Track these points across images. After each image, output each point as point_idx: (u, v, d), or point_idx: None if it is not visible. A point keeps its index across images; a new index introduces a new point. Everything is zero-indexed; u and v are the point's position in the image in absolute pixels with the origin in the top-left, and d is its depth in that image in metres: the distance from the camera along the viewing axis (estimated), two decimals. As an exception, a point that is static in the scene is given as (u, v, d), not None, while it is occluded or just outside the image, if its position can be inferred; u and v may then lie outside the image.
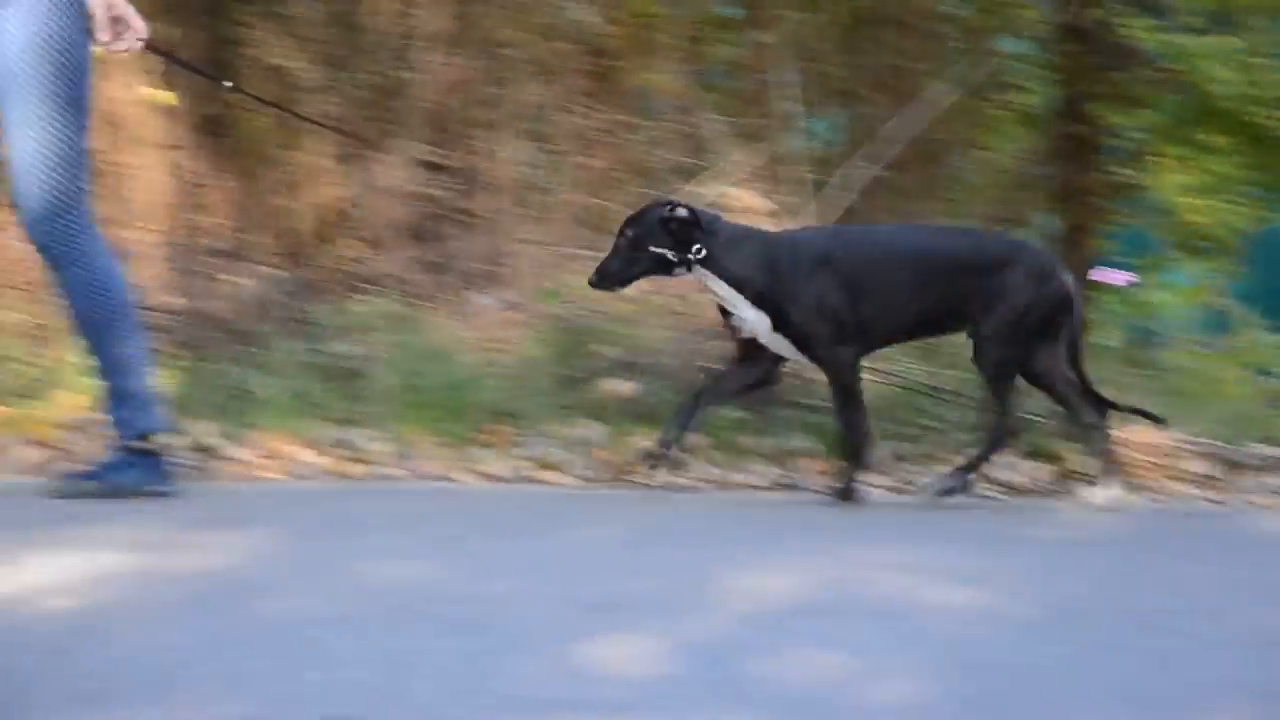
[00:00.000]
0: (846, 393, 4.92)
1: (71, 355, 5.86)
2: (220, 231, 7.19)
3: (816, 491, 5.05)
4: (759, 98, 6.76)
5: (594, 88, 7.00)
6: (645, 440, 5.20)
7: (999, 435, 4.99)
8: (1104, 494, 5.01)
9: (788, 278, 4.85)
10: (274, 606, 3.19)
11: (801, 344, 4.89)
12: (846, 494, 4.91)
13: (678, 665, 2.87)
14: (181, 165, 7.22)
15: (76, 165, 4.43)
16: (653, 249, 4.86)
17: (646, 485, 5.05)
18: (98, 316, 4.51)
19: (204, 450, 5.30)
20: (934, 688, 2.81)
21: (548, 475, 5.17)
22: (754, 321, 4.88)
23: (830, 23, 6.87)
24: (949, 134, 6.82)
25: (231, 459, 5.26)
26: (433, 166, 6.99)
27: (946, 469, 5.14)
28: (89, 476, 4.56)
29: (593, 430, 5.44)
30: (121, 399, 4.60)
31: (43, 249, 4.44)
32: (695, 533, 4.34)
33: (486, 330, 6.09)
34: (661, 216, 4.88)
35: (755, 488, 5.18)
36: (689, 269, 4.89)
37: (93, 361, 4.60)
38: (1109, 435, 5.07)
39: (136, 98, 7.10)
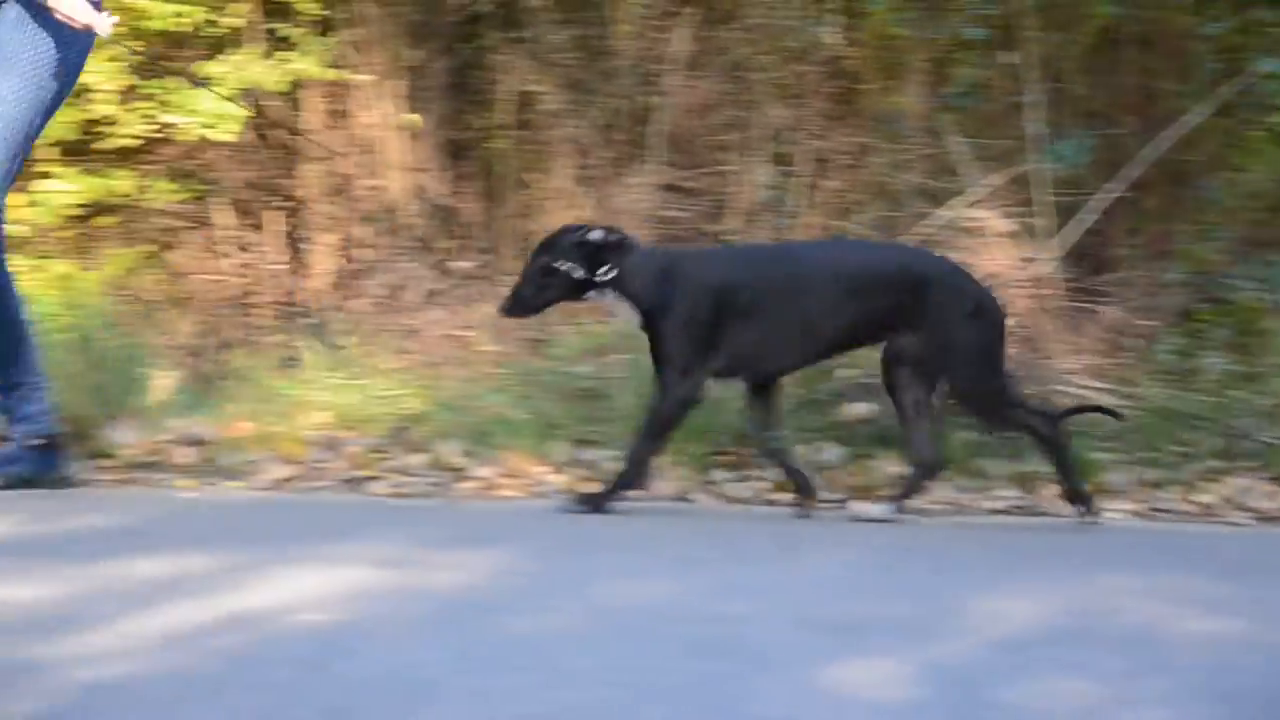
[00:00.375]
0: (660, 424, 4.83)
1: (314, 373, 6.02)
2: (464, 253, 7.29)
3: (1057, 513, 4.98)
4: (1004, 119, 6.67)
5: (837, 110, 6.98)
6: (889, 464, 5.18)
7: (1059, 450, 4.84)
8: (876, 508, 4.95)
9: (672, 294, 4.79)
10: (518, 624, 3.22)
11: (656, 357, 4.83)
12: (597, 503, 4.83)
13: (923, 689, 2.83)
14: (426, 188, 7.35)
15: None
16: (565, 273, 4.82)
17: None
18: (6, 316, 4.86)
19: (449, 469, 5.38)
20: (1186, 715, 2.73)
21: (787, 497, 5.15)
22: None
23: (1076, 43, 6.76)
24: (1199, 155, 6.66)
25: (475, 478, 5.33)
26: (675, 189, 7.03)
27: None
28: None
29: (832, 453, 5.41)
30: (24, 396, 4.96)
31: None
32: (935, 556, 4.28)
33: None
34: (575, 240, 4.83)
35: (994, 511, 5.11)
36: (600, 291, 4.84)
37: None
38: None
39: (386, 122, 7.26)
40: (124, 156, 7.55)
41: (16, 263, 5.33)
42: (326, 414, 5.76)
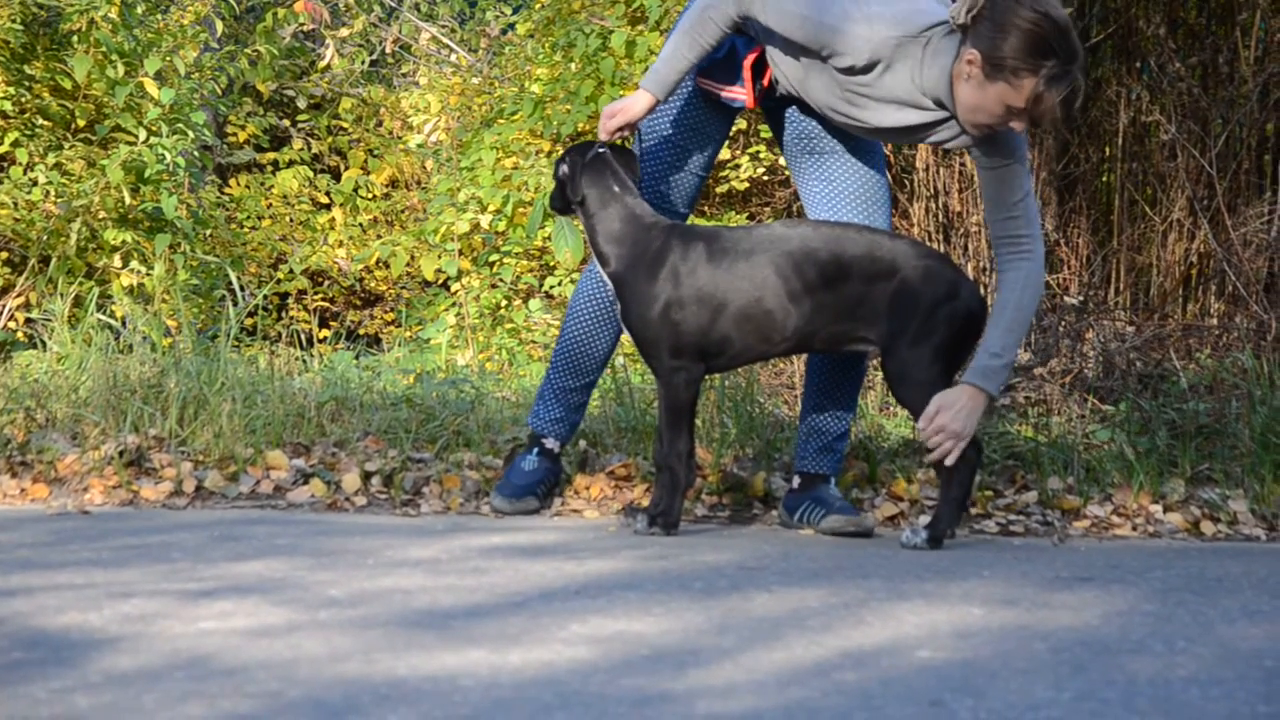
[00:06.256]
0: (674, 412, 4.58)
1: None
2: (1071, 287, 7.21)
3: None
4: None
5: None
6: None
7: (968, 474, 4.60)
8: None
9: (645, 272, 4.55)
10: (1141, 666, 3.15)
11: (639, 346, 4.62)
12: (669, 524, 4.70)
13: None
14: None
15: None
16: (559, 190, 4.75)
17: None
18: None
19: (1058, 508, 5.32)
20: None
21: None
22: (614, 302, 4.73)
23: None
24: None
25: (1087, 516, 5.26)
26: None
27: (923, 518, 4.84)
28: None
29: None
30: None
31: None
32: None
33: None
34: (557, 166, 4.75)
35: None
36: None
37: None
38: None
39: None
40: (734, 200, 7.81)
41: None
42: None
